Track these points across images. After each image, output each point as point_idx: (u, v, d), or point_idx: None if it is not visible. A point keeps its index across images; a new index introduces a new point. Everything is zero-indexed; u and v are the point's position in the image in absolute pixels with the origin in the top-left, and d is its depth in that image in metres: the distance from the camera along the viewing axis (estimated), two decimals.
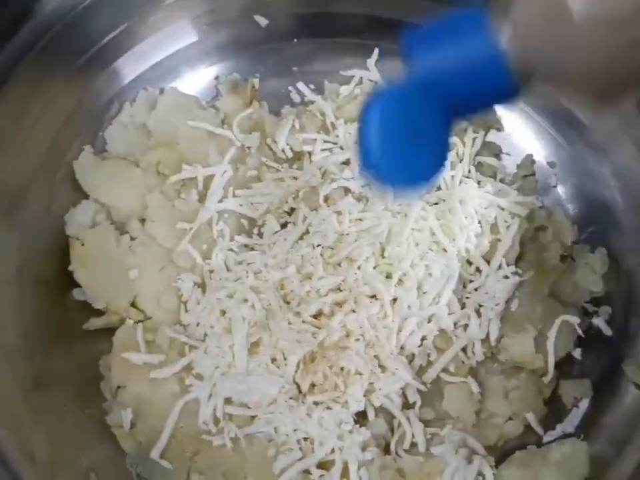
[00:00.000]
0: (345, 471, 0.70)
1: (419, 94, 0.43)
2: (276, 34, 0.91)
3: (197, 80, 0.91)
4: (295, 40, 0.92)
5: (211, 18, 0.88)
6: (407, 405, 0.75)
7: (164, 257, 0.80)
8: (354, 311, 0.75)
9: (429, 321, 0.77)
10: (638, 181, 0.79)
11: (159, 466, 0.71)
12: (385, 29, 0.91)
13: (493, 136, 0.89)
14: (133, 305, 0.78)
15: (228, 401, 0.73)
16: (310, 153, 0.87)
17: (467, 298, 0.80)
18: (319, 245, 0.79)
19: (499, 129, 0.90)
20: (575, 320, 0.78)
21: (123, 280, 0.78)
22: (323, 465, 0.71)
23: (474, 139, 0.87)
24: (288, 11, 0.91)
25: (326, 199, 0.82)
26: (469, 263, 0.81)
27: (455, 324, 0.78)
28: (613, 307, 0.80)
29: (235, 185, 0.84)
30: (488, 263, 0.81)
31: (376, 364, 0.74)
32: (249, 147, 0.87)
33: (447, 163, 0.47)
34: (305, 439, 0.72)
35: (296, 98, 0.93)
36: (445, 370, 0.77)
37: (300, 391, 0.73)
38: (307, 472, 0.71)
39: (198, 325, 0.77)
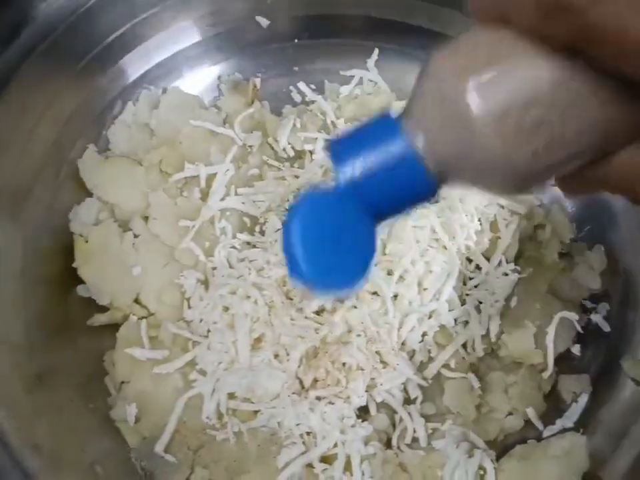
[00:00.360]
0: (348, 465, 0.71)
1: (341, 200, 0.43)
2: (277, 35, 0.92)
3: (199, 80, 0.92)
4: (296, 41, 0.93)
5: (213, 19, 0.89)
6: (408, 400, 0.76)
7: (167, 254, 0.81)
8: (355, 307, 0.76)
9: (430, 317, 0.78)
10: None
11: (163, 460, 0.72)
12: (385, 30, 0.92)
13: None
14: (137, 301, 0.79)
15: (231, 395, 0.74)
16: (311, 152, 0.88)
17: (467, 295, 0.80)
18: None
19: None
20: (573, 316, 0.79)
21: (126, 277, 0.78)
22: (326, 459, 0.72)
23: None
24: (289, 12, 0.92)
25: None
26: (469, 260, 0.82)
27: (456, 320, 0.79)
28: (610, 304, 0.81)
29: (237, 183, 0.85)
30: (488, 260, 0.82)
31: (377, 359, 0.75)
32: (250, 146, 0.88)
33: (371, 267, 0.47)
34: (308, 433, 0.72)
35: (297, 98, 0.93)
36: (445, 366, 0.77)
37: (302, 386, 0.74)
38: (309, 466, 0.71)
39: (201, 321, 0.78)
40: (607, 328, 0.80)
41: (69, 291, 0.79)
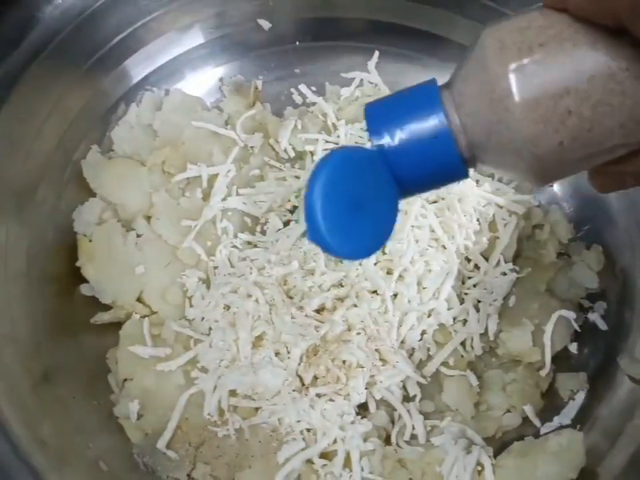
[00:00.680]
0: (347, 461, 0.72)
1: (370, 164, 0.43)
2: (279, 37, 0.93)
3: (201, 82, 0.93)
4: (297, 43, 0.94)
5: (216, 21, 0.90)
6: (407, 398, 0.77)
7: (169, 253, 0.82)
8: (355, 306, 0.77)
9: (429, 315, 0.79)
10: None
11: (165, 456, 0.73)
12: (385, 33, 0.93)
13: None
14: (139, 300, 0.80)
15: (232, 393, 0.75)
16: (312, 153, 0.89)
17: (466, 294, 0.81)
18: None
19: None
20: (571, 315, 0.79)
21: (129, 276, 0.80)
22: (326, 455, 0.73)
23: None
24: (290, 15, 0.93)
25: None
26: (468, 259, 0.83)
27: (454, 319, 0.80)
28: (608, 303, 0.82)
29: (239, 183, 0.86)
30: (486, 259, 0.83)
31: (377, 357, 0.76)
32: (252, 147, 0.89)
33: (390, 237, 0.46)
34: (308, 429, 0.73)
35: (298, 99, 0.95)
36: (444, 363, 0.78)
37: (303, 384, 0.75)
38: (310, 462, 0.72)
39: (203, 319, 0.79)
40: (604, 326, 0.81)
41: (73, 289, 0.80)
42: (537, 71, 0.37)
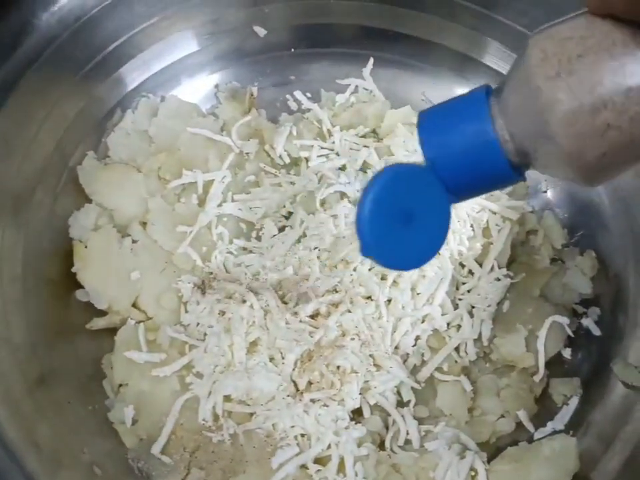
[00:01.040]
0: (341, 466, 0.72)
1: (421, 175, 0.44)
2: (274, 44, 0.94)
3: (197, 88, 0.94)
4: (293, 50, 0.95)
5: (211, 28, 0.91)
6: (401, 403, 0.77)
7: (164, 259, 0.82)
8: (350, 311, 0.77)
9: (423, 321, 0.80)
10: (625, 185, 0.81)
11: (160, 461, 0.73)
12: (380, 39, 0.94)
13: None
14: (135, 305, 0.80)
15: (227, 398, 0.75)
16: (307, 159, 0.89)
17: (460, 299, 0.82)
18: (315, 248, 0.81)
19: None
20: (564, 320, 0.80)
21: (124, 281, 0.80)
22: (320, 460, 0.73)
23: None
24: (286, 21, 0.93)
25: (322, 203, 0.85)
26: (462, 265, 0.83)
27: (448, 324, 0.80)
28: (601, 308, 0.82)
29: (234, 189, 0.87)
30: (480, 265, 0.83)
31: (371, 363, 0.76)
32: (247, 153, 0.89)
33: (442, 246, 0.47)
34: (302, 435, 0.73)
35: (293, 106, 0.95)
36: (438, 369, 0.79)
37: (297, 389, 0.75)
38: (304, 467, 0.72)
39: (198, 324, 0.79)
40: (597, 332, 0.81)
41: (68, 295, 0.80)
42: (573, 84, 0.37)
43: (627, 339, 0.78)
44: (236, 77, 0.95)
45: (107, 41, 0.84)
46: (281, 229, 0.85)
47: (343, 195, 0.85)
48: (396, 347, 0.78)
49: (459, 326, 0.80)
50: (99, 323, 0.80)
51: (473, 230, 0.84)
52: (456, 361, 0.79)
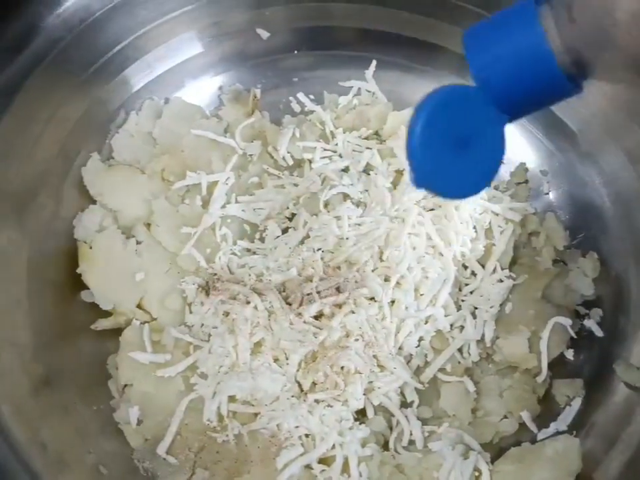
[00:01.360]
0: (346, 466, 0.72)
1: (472, 96, 0.42)
2: (277, 46, 0.95)
3: (200, 90, 0.94)
4: (296, 52, 0.96)
5: (215, 31, 0.91)
6: (405, 404, 0.78)
7: (169, 260, 0.82)
8: (353, 312, 0.78)
9: (426, 322, 0.80)
10: (626, 187, 0.81)
11: (165, 461, 0.73)
12: (382, 42, 0.94)
13: None
14: (139, 306, 0.81)
15: (232, 398, 0.75)
16: (310, 161, 0.90)
17: (463, 300, 0.82)
18: (319, 249, 0.82)
19: None
20: (567, 322, 0.80)
21: (129, 282, 0.80)
22: (324, 461, 0.73)
23: None
24: (289, 24, 0.94)
25: (326, 204, 0.85)
26: (465, 266, 0.84)
27: (451, 325, 0.81)
28: (603, 309, 0.82)
29: (238, 191, 0.87)
30: (483, 266, 0.83)
31: (375, 363, 0.77)
32: (251, 155, 0.90)
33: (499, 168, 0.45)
34: (307, 435, 0.74)
35: (296, 108, 0.96)
36: (441, 370, 0.79)
37: (302, 389, 0.76)
38: (308, 467, 0.73)
39: (202, 325, 0.79)
40: (599, 333, 0.81)
41: (73, 295, 0.81)
42: None
43: (629, 340, 0.79)
44: (239, 79, 0.95)
45: (111, 43, 0.85)
46: (285, 231, 0.86)
47: (346, 196, 0.86)
48: (399, 348, 0.79)
49: (462, 327, 0.81)
50: (103, 324, 0.80)
51: (476, 231, 0.84)
52: (459, 362, 0.79)
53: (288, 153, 0.90)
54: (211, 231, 0.84)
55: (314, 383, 0.76)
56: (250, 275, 0.81)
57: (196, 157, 0.88)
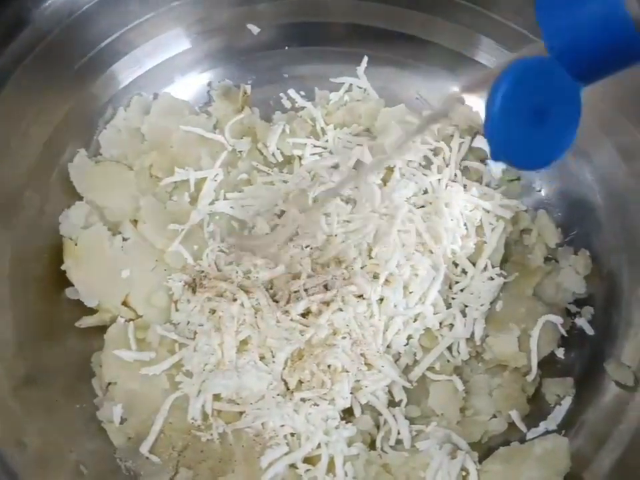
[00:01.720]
0: (331, 466, 0.72)
1: (548, 65, 0.43)
2: (267, 42, 0.94)
3: (189, 86, 0.94)
4: (286, 48, 0.95)
5: (204, 26, 0.90)
6: (392, 402, 0.77)
7: (155, 257, 0.82)
8: (341, 310, 0.77)
9: (415, 320, 0.79)
10: (619, 184, 0.80)
11: (148, 460, 0.73)
12: (374, 38, 0.93)
13: (479, 141, 0.90)
14: (125, 303, 0.80)
15: (217, 397, 0.75)
16: (300, 157, 0.89)
17: (453, 298, 0.82)
18: (307, 246, 0.81)
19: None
20: (558, 320, 0.80)
21: (115, 279, 0.79)
22: (310, 460, 0.72)
23: (460, 144, 0.89)
24: (279, 19, 0.93)
25: (315, 201, 0.84)
26: (455, 264, 0.83)
27: (441, 323, 0.80)
28: (595, 307, 0.82)
29: (226, 188, 0.86)
30: (473, 264, 0.83)
31: (362, 362, 0.76)
32: (240, 151, 0.89)
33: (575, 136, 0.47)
34: (292, 434, 0.73)
35: (287, 104, 0.95)
36: (430, 368, 0.78)
37: (288, 388, 0.75)
38: (293, 466, 0.72)
39: (188, 323, 0.79)
40: (591, 331, 0.81)
41: (58, 292, 0.80)
42: None
43: (621, 338, 0.78)
44: (229, 75, 0.94)
45: (100, 38, 0.84)
46: (273, 227, 0.85)
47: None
48: (387, 346, 0.78)
49: (452, 325, 0.80)
50: (88, 321, 0.79)
51: (467, 228, 0.83)
52: (448, 361, 0.79)
53: (278, 149, 0.90)
54: (199, 228, 0.84)
55: (300, 382, 0.75)
56: (237, 272, 0.80)
57: (185, 153, 0.87)
